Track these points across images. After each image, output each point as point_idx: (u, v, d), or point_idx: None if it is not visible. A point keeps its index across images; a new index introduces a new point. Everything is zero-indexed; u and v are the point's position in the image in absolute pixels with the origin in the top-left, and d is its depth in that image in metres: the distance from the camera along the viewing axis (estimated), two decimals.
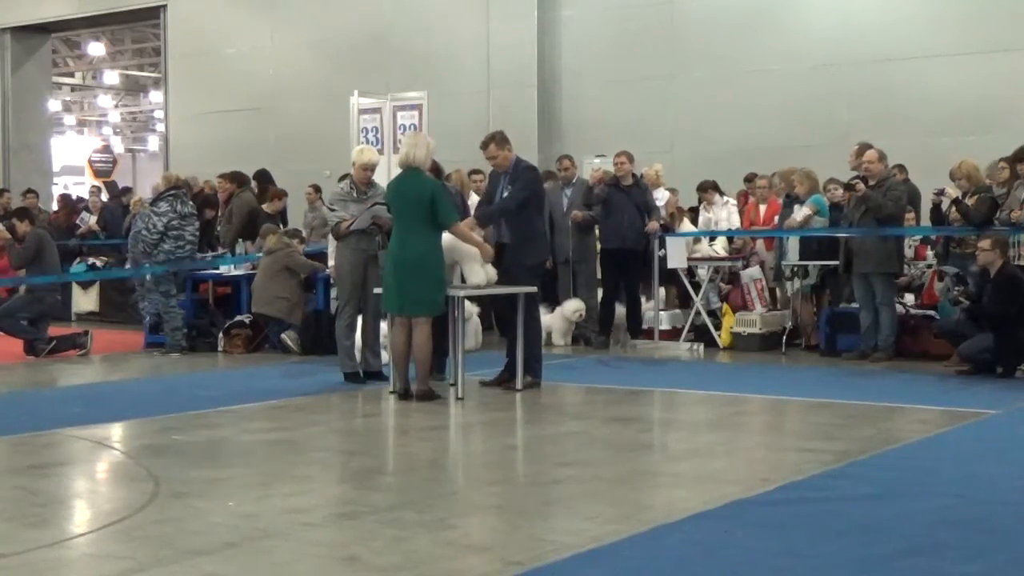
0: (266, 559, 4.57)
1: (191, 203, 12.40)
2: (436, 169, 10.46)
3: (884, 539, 4.77)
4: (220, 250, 13.68)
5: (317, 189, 15.97)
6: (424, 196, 8.58)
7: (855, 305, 11.33)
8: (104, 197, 19.59)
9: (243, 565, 4.49)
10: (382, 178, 10.86)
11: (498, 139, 9.44)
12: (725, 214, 13.37)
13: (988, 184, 11.05)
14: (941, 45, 14.42)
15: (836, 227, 11.48)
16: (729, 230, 13.14)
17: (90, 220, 17.66)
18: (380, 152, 12.77)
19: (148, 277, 12.19)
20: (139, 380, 10.58)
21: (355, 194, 9.71)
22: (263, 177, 14.90)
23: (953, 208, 10.93)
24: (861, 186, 10.96)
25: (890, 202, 10.92)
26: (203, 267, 12.78)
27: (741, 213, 13.49)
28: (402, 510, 5.33)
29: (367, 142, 12.96)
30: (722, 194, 13.62)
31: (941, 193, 11.05)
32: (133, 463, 6.59)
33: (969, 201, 10.78)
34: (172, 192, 12.30)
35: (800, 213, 11.67)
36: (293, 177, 16.94)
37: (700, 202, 13.74)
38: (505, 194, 9.39)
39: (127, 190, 20.83)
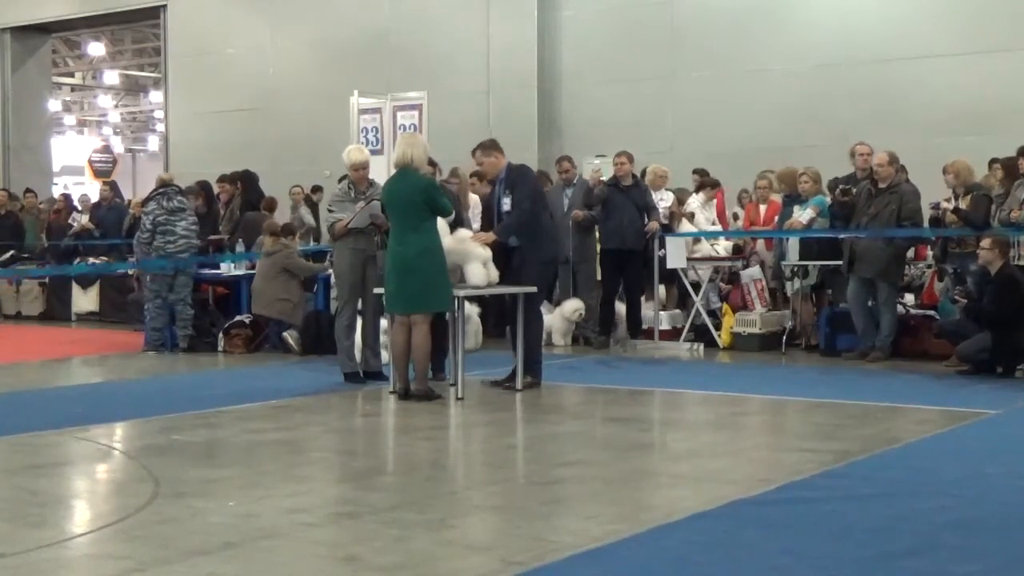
0: (266, 559, 4.57)
1: (181, 198, 12.39)
2: (436, 168, 10.49)
3: (884, 539, 4.77)
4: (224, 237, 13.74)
5: (312, 192, 16.00)
6: (419, 193, 8.60)
7: None
8: (96, 196, 19.62)
9: (243, 565, 4.49)
10: (384, 178, 10.86)
11: (485, 146, 9.45)
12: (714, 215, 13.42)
13: (978, 182, 11.06)
14: (941, 45, 14.41)
15: (837, 228, 11.46)
16: (729, 231, 13.14)
17: (82, 219, 17.68)
18: (380, 152, 12.78)
19: (147, 277, 12.20)
20: (139, 380, 10.57)
21: (353, 194, 9.72)
22: (248, 179, 14.81)
23: (953, 215, 10.90)
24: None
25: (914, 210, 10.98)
26: (195, 262, 12.65)
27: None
28: (402, 510, 5.33)
29: (367, 142, 12.95)
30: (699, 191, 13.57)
31: (938, 207, 11.06)
32: (133, 463, 6.59)
33: (963, 203, 10.78)
34: (160, 191, 12.40)
35: (804, 215, 11.66)
36: (293, 177, 16.97)
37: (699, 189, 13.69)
38: (505, 200, 9.38)
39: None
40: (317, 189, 16.80)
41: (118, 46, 33.54)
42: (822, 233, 11.56)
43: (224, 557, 4.56)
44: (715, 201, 13.58)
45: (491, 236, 9.21)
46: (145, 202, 12.75)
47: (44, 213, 18.79)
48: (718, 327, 12.31)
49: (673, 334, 12.50)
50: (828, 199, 11.80)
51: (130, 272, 14.66)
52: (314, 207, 16.46)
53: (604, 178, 12.80)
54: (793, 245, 11.86)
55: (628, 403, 8.97)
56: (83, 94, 39.61)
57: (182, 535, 4.87)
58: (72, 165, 36.82)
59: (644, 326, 12.47)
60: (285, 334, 11.88)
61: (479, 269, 8.95)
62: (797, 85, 15.29)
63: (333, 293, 11.32)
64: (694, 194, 13.51)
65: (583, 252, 12.72)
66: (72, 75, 36.43)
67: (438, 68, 17.35)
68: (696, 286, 12.58)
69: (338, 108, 14.91)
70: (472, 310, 11.82)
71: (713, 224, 13.24)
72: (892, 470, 6.22)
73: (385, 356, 9.58)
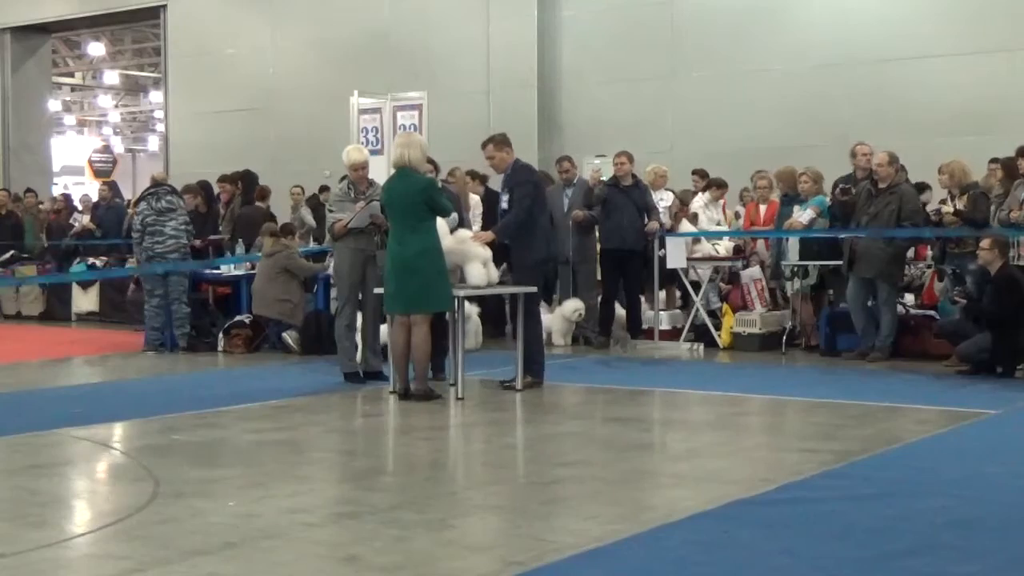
0: (266, 559, 4.57)
1: (171, 198, 12.39)
2: (435, 167, 10.48)
3: (884, 539, 4.76)
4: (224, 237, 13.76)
5: (319, 192, 16.01)
6: (418, 193, 8.59)
7: None
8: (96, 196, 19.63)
9: (243, 565, 4.49)
10: (383, 178, 10.86)
11: (497, 140, 9.44)
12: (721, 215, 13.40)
13: (975, 182, 11.06)
14: (941, 45, 14.41)
15: (837, 228, 11.46)
16: (728, 230, 13.14)
17: (83, 219, 17.67)
18: (380, 152, 12.78)
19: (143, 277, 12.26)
20: (139, 380, 10.57)
21: (353, 195, 9.72)
22: (248, 179, 14.82)
23: (953, 217, 10.89)
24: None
25: (914, 211, 10.98)
26: (188, 267, 12.66)
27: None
28: (402, 510, 5.33)
29: (367, 142, 12.95)
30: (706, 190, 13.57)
31: (938, 213, 11.07)
32: (133, 463, 6.59)
33: (959, 203, 10.78)
34: (151, 191, 12.42)
35: (805, 215, 11.66)
36: (293, 177, 16.97)
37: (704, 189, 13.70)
38: (504, 199, 9.41)
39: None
40: (324, 189, 16.75)
41: (118, 46, 33.55)
42: (822, 233, 11.55)
43: (224, 557, 4.56)
44: (721, 201, 13.58)
45: (490, 235, 9.21)
46: (137, 202, 12.81)
47: (44, 213, 18.80)
48: (718, 327, 12.31)
49: (673, 334, 12.50)
50: (828, 199, 11.80)
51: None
52: (319, 208, 16.44)
53: (604, 178, 12.80)
54: (793, 245, 11.86)
55: (628, 403, 8.97)
56: (83, 94, 39.62)
57: (182, 535, 4.87)
58: (72, 165, 36.82)
59: (644, 326, 12.48)
60: (285, 334, 11.89)
61: (479, 269, 8.96)
62: (797, 85, 15.30)
63: (333, 293, 11.32)
64: (700, 193, 13.51)
65: (583, 252, 12.70)
66: (72, 75, 36.44)
67: (438, 68, 17.36)
68: (696, 286, 12.57)
69: (338, 108, 14.91)
70: (472, 310, 11.82)
71: (718, 224, 13.24)
72: (892, 470, 6.21)
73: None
